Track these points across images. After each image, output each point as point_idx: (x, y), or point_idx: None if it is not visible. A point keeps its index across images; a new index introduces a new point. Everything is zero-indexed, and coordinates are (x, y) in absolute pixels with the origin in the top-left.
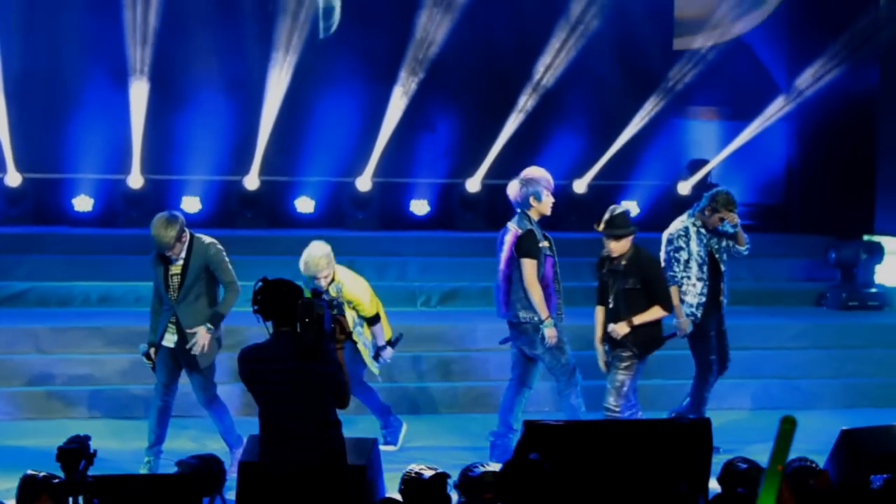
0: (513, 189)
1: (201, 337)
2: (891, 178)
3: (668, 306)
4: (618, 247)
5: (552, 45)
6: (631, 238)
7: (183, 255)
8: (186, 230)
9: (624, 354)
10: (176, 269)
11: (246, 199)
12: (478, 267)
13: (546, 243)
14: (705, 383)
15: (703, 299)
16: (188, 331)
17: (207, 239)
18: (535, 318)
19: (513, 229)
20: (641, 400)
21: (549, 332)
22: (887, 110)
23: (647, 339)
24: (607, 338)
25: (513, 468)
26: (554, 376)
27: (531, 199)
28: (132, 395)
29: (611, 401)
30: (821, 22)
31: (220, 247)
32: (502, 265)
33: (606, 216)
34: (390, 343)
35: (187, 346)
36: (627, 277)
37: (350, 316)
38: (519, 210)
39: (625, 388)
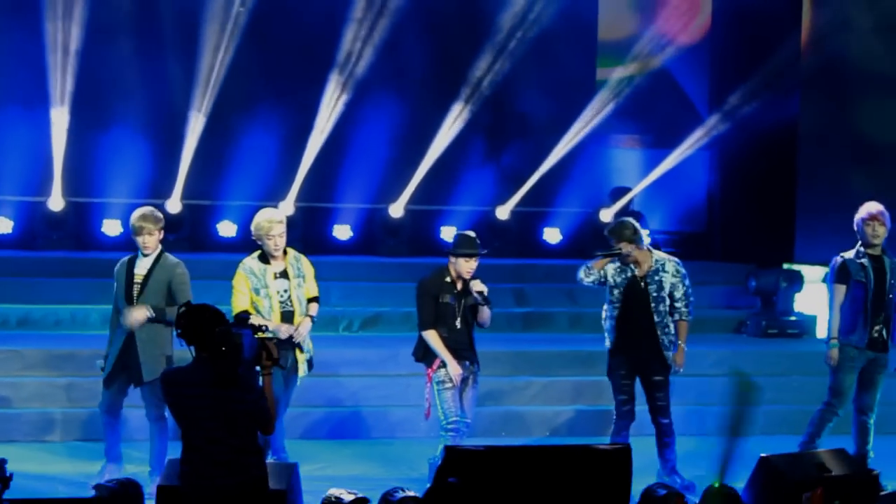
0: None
1: (139, 312)
2: (811, 208)
3: None
4: (471, 266)
5: (476, 73)
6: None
7: (149, 265)
8: (162, 231)
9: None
10: (139, 277)
11: (170, 223)
12: (400, 292)
13: None
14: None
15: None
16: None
17: (176, 260)
18: None
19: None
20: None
21: None
22: (807, 140)
23: None
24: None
25: (434, 494)
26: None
27: (858, 233)
28: (50, 418)
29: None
30: (742, 52)
31: (186, 270)
32: (890, 294)
33: (459, 240)
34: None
35: (122, 319)
36: (469, 294)
37: (299, 297)
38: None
39: None
